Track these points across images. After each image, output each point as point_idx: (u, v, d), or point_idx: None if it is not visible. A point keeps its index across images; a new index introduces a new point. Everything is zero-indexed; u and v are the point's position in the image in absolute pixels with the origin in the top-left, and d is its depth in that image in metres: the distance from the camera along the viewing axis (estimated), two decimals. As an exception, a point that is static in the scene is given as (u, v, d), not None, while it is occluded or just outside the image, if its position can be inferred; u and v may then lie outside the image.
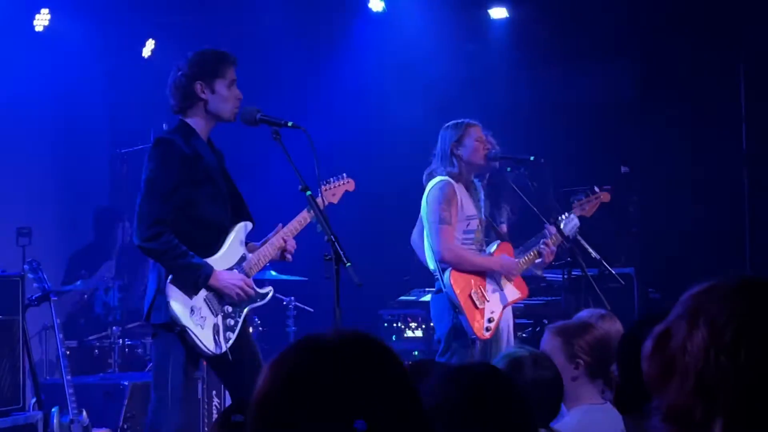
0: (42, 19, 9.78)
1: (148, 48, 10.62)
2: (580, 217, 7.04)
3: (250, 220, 5.83)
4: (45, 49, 9.95)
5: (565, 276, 7.52)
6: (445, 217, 6.52)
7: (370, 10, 10.33)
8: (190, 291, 5.50)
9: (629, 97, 10.40)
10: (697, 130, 9.73)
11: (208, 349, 5.51)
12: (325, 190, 5.98)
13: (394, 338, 9.18)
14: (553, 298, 8.47)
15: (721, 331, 1.65)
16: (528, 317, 8.48)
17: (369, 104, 10.43)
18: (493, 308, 6.62)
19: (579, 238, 7.12)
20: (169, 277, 5.44)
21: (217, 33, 10.39)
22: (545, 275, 8.48)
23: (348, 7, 10.41)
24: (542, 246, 6.80)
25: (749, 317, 1.66)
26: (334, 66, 10.45)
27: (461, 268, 6.56)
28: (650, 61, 10.24)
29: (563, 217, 7.02)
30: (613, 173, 8.92)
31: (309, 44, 10.45)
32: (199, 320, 5.49)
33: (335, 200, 6.18)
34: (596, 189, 7.18)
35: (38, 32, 9.80)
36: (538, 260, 6.87)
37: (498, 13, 10.41)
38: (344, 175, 6.29)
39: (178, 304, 5.44)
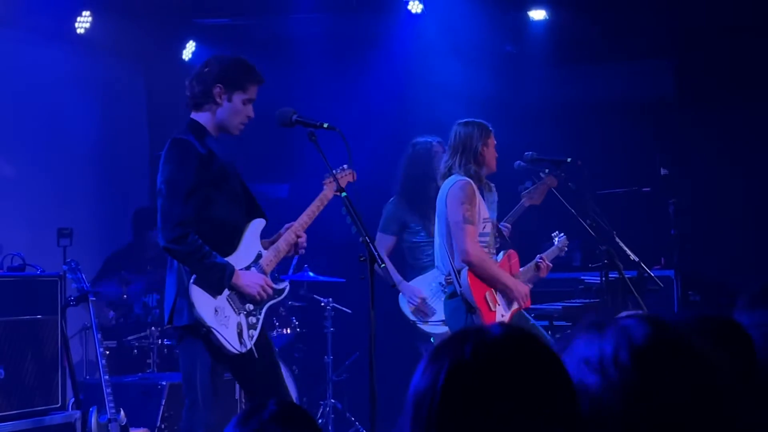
0: (84, 22, 9.85)
1: (189, 50, 10.68)
2: (530, 207, 7.41)
3: (264, 217, 5.83)
4: (86, 51, 10.03)
5: (603, 278, 7.47)
6: (468, 217, 6.49)
7: (408, 11, 10.32)
8: (214, 291, 5.51)
9: (669, 97, 10.34)
10: (737, 130, 9.65)
11: (235, 348, 5.52)
12: (340, 177, 5.83)
13: (432, 340, 9.15)
14: (591, 300, 8.42)
15: None
16: (566, 319, 8.44)
17: (406, 105, 10.41)
18: (503, 312, 6.64)
19: (617, 240, 7.10)
20: (192, 278, 5.44)
21: (256, 35, 10.45)
22: (583, 278, 8.45)
23: (386, 8, 10.41)
24: (539, 260, 6.97)
25: None
26: (372, 67, 10.44)
27: (479, 272, 6.53)
28: (689, 61, 10.17)
29: (554, 234, 7.21)
30: (652, 175, 8.87)
31: (347, 45, 10.45)
32: (223, 320, 5.49)
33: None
34: (542, 174, 7.22)
35: (80, 34, 9.87)
36: (533, 273, 7.04)
37: (537, 14, 10.38)
38: (344, 166, 6.03)
39: (203, 305, 5.45)
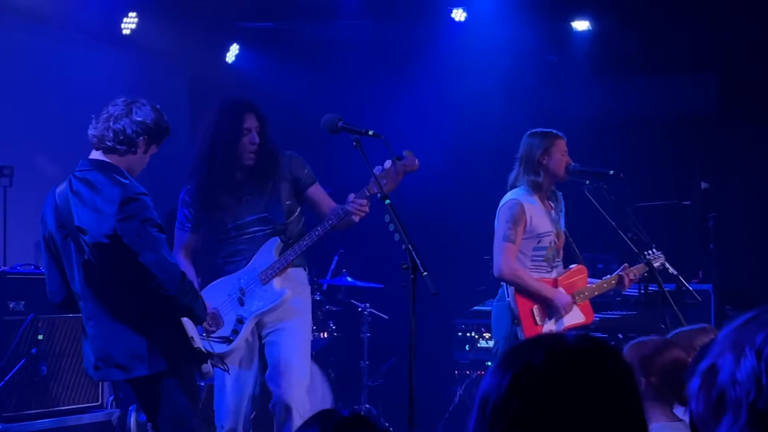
0: (129, 23, 9.94)
1: (232, 53, 10.75)
2: None
3: None
4: (131, 52, 10.11)
5: (642, 291, 7.46)
6: (509, 236, 6.53)
7: (452, 20, 10.35)
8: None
9: (711, 111, 10.32)
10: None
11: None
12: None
13: (467, 348, 9.18)
14: (629, 312, 8.42)
15: None
16: (603, 331, 8.43)
17: (449, 114, 10.44)
18: (552, 327, 6.60)
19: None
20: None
21: (299, 40, 10.50)
22: (621, 290, 8.44)
23: (430, 16, 10.44)
24: (623, 274, 6.82)
25: None
26: (416, 75, 10.47)
27: (517, 288, 6.55)
28: (731, 75, 10.15)
29: (650, 253, 6.97)
30: (693, 188, 8.85)
31: (391, 53, 10.49)
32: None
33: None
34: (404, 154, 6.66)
35: (125, 35, 9.96)
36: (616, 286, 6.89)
37: (580, 25, 10.38)
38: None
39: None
